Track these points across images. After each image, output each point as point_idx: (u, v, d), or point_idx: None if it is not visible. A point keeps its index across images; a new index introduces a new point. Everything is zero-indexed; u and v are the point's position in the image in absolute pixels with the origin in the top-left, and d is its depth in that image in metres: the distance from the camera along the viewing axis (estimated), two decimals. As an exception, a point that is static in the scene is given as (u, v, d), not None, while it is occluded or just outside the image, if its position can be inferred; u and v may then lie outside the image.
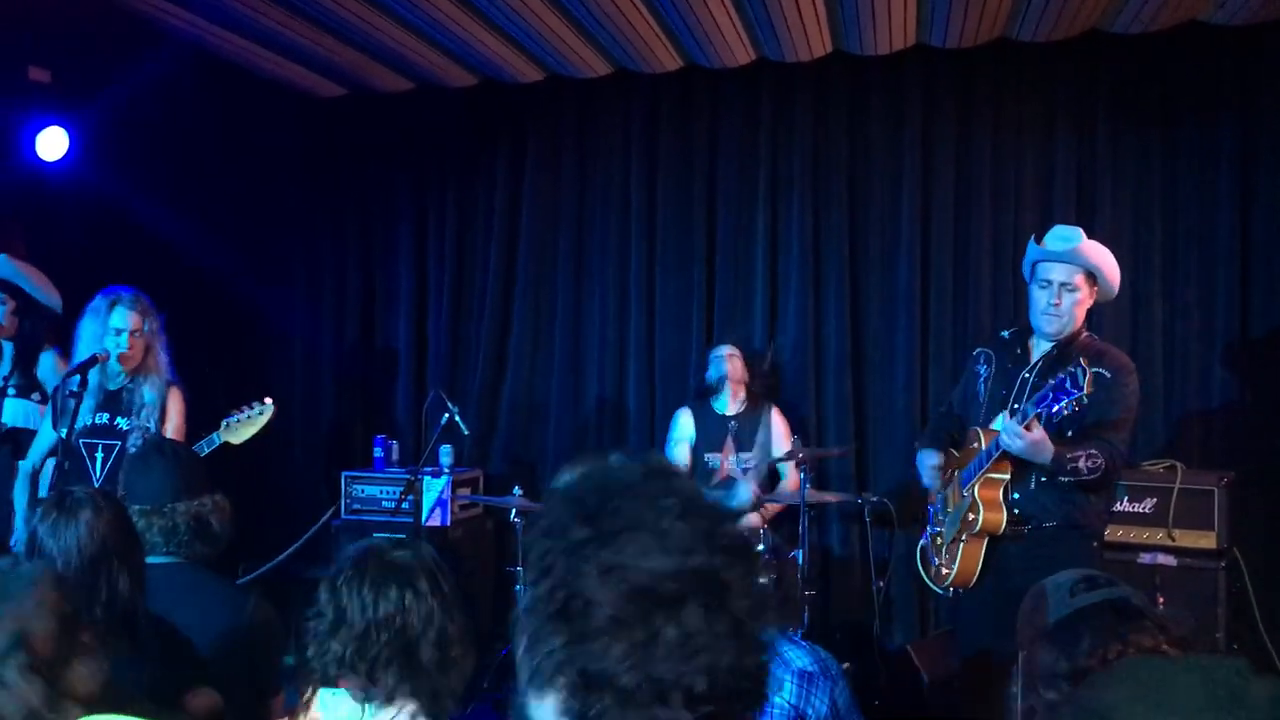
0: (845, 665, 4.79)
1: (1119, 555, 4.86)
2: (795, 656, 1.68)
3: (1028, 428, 3.55)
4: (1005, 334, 4.05)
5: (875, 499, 5.52)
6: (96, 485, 4.16)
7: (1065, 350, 3.80)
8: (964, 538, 3.80)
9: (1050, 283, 3.77)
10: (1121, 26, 5.46)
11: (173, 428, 4.41)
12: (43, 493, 4.45)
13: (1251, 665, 1.25)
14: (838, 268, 6.19)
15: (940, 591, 4.05)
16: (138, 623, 2.43)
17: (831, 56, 6.00)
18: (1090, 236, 3.86)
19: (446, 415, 5.61)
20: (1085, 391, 3.36)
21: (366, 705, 1.99)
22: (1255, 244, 5.55)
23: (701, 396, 5.79)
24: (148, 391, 4.33)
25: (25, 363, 4.77)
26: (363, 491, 6.22)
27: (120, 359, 4.22)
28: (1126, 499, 4.86)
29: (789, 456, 5.31)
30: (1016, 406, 3.70)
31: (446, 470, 6.11)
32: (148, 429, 4.28)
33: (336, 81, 6.69)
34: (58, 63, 5.66)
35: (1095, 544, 3.85)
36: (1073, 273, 3.76)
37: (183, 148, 6.36)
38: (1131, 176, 5.76)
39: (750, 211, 6.35)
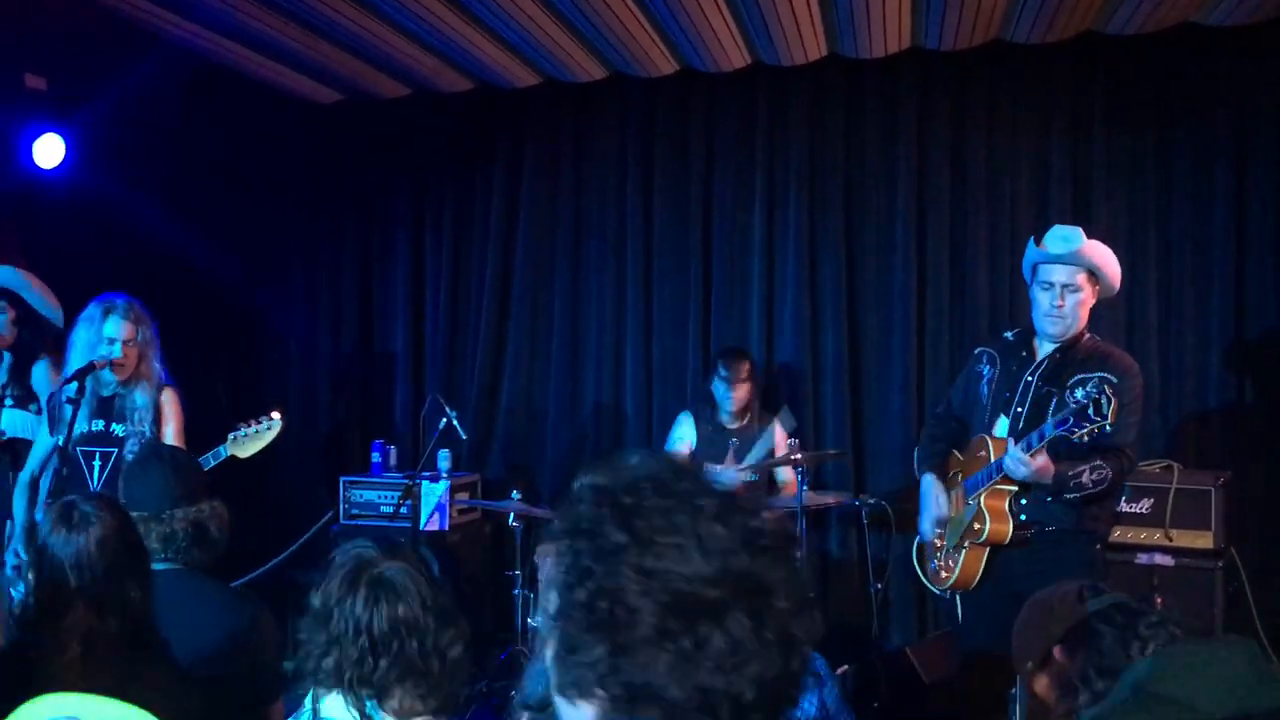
0: (844, 668, 4.83)
1: (1116, 556, 4.86)
2: None
3: (1033, 455, 3.55)
4: (1009, 335, 4.03)
5: (873, 501, 5.53)
6: (94, 492, 4.16)
7: (1069, 352, 3.80)
8: (967, 544, 3.80)
9: (1052, 285, 3.76)
10: (1116, 28, 5.47)
11: (172, 431, 4.40)
12: (41, 501, 4.45)
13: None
14: (834, 270, 6.19)
15: (937, 592, 4.05)
16: (150, 631, 2.44)
17: (826, 60, 6.01)
18: (1087, 237, 3.87)
19: (444, 420, 5.61)
20: (1109, 420, 3.32)
21: (378, 710, 1.98)
22: (1250, 244, 5.56)
23: (705, 401, 5.78)
24: (140, 396, 4.32)
25: (23, 374, 4.78)
26: (361, 496, 6.22)
27: (114, 367, 4.22)
28: (1124, 499, 4.85)
29: (785, 459, 5.31)
30: (1017, 442, 3.67)
31: (445, 475, 6.11)
32: (144, 434, 4.28)
33: (333, 87, 6.69)
34: (54, 70, 5.67)
35: (1099, 546, 3.85)
36: (1075, 273, 3.75)
37: (179, 154, 6.37)
38: (1127, 177, 5.77)
39: (746, 215, 6.36)
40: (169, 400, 4.39)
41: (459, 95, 6.69)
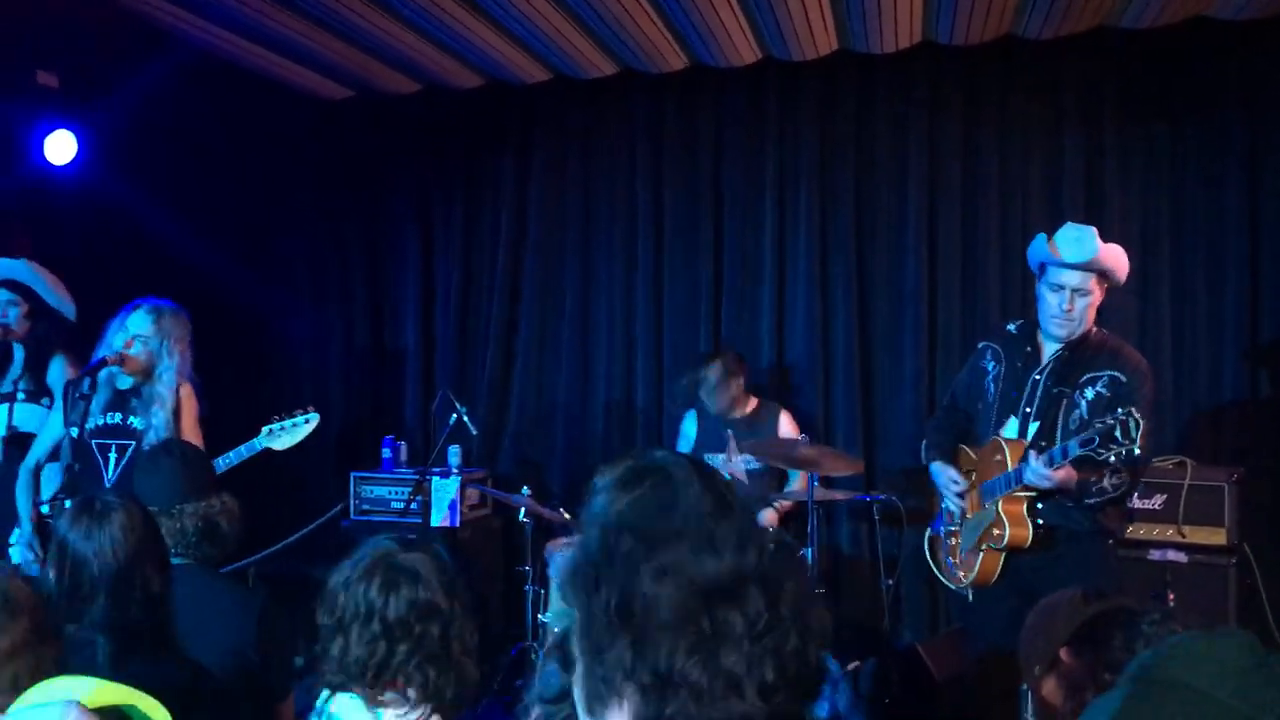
0: (855, 664, 4.81)
1: (1129, 552, 4.85)
2: None
3: (1055, 469, 3.52)
4: (1012, 328, 3.99)
5: (884, 497, 5.51)
6: (109, 485, 4.17)
7: (1077, 350, 3.77)
8: (984, 548, 3.78)
9: (1063, 288, 3.71)
10: (1129, 22, 5.44)
11: (186, 426, 4.41)
12: (46, 494, 4.46)
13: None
14: (845, 266, 6.18)
15: (954, 588, 4.04)
16: (170, 624, 2.45)
17: (837, 55, 5.99)
18: (1099, 233, 3.84)
19: (455, 415, 5.62)
20: (1137, 444, 3.28)
21: (379, 710, 1.98)
22: (1264, 239, 5.52)
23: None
24: (158, 391, 4.31)
25: (36, 367, 4.78)
26: (371, 492, 6.23)
27: (120, 360, 4.22)
28: (1137, 495, 4.83)
29: (792, 448, 5.28)
30: (1044, 445, 3.62)
31: (455, 470, 6.11)
32: (160, 428, 4.27)
33: (343, 84, 6.69)
34: (66, 67, 5.69)
35: (1111, 543, 3.84)
36: (1087, 279, 3.71)
37: (189, 151, 6.38)
38: (1139, 172, 5.74)
39: (757, 210, 6.35)
40: (185, 395, 4.39)
41: (469, 91, 6.68)
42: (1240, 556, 4.85)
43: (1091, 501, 3.61)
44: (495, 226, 6.87)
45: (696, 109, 6.46)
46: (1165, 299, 5.65)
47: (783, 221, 6.31)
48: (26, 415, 4.75)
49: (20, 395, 4.75)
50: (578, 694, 1.11)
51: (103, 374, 4.23)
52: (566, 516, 5.26)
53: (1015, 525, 3.68)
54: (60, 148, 5.62)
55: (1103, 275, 3.75)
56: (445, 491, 5.97)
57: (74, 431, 4.14)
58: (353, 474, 6.31)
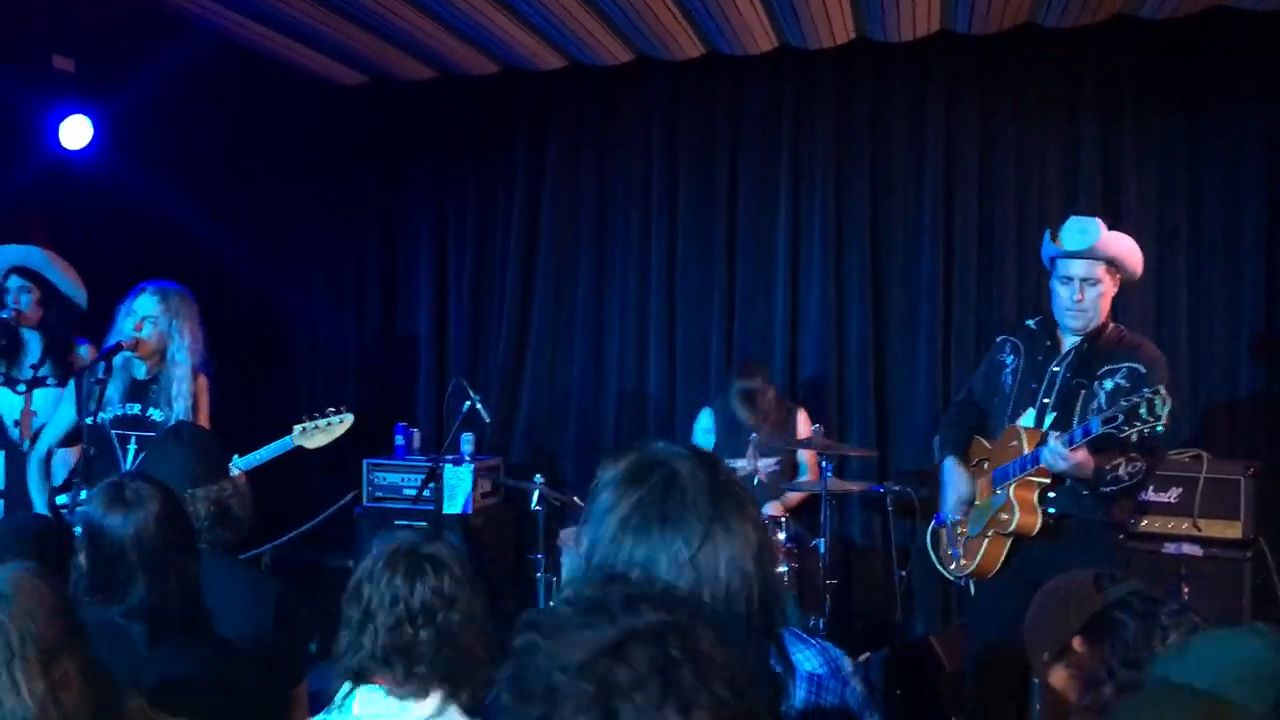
0: (866, 655, 4.81)
1: (1143, 545, 4.84)
2: (804, 659, 1.66)
3: (1073, 449, 3.50)
4: (1031, 323, 3.98)
5: (897, 488, 5.49)
6: (131, 471, 4.17)
7: (1096, 343, 3.75)
8: (991, 534, 3.76)
9: (1071, 279, 3.71)
10: (1148, 12, 5.41)
11: (200, 417, 4.41)
12: (56, 480, 4.47)
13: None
14: (860, 256, 6.15)
15: (952, 578, 4.02)
16: (202, 607, 2.46)
17: (854, 43, 5.96)
18: (1115, 224, 3.83)
19: (468, 403, 5.61)
20: (1163, 421, 3.25)
21: (406, 698, 1.98)
22: (1283, 231, 5.49)
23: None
24: (175, 382, 4.31)
25: (57, 355, 4.79)
26: (384, 479, 6.24)
27: (132, 344, 4.22)
28: (1152, 488, 4.81)
29: (807, 445, 5.28)
30: (1058, 434, 3.58)
31: (468, 458, 6.12)
32: (177, 418, 4.27)
33: (358, 69, 6.69)
34: (82, 52, 5.68)
35: (1120, 536, 3.82)
36: (1093, 267, 3.69)
37: (205, 136, 6.38)
38: (1157, 163, 5.71)
39: (772, 199, 6.33)
40: (201, 388, 4.39)
41: (483, 78, 6.67)
42: (1255, 550, 4.83)
43: (1106, 489, 3.58)
44: (509, 214, 6.87)
45: (712, 97, 6.43)
46: (1182, 291, 5.62)
47: (797, 210, 6.29)
48: (45, 401, 4.76)
49: (50, 381, 4.75)
50: None
51: (118, 361, 4.23)
52: (579, 503, 5.25)
53: (1025, 511, 3.66)
54: (76, 133, 5.62)
55: (1112, 265, 3.72)
56: (458, 479, 5.98)
57: (89, 419, 4.14)
58: (366, 461, 6.32)
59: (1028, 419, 3.81)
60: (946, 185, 6.01)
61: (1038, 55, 5.81)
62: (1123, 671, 2.17)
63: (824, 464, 5.01)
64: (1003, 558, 3.76)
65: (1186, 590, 4.67)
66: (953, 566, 4.02)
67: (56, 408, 4.59)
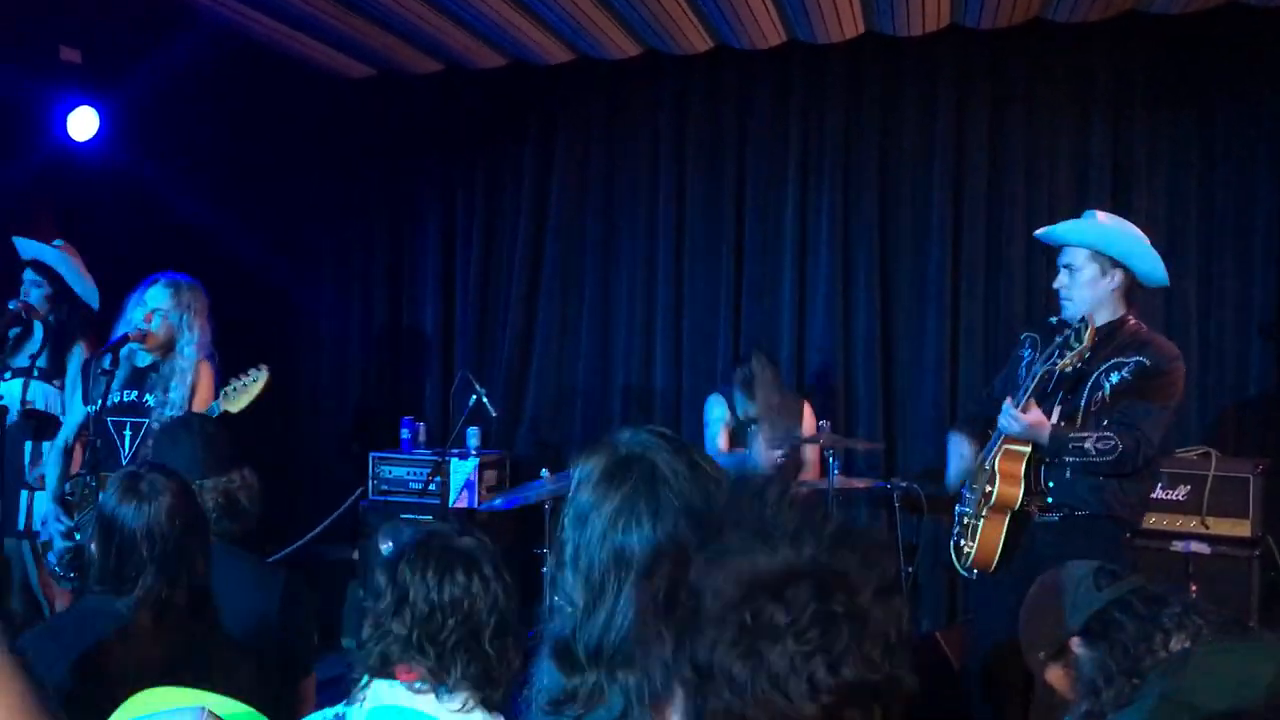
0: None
1: (1151, 543, 4.81)
2: None
3: (1024, 409, 3.57)
4: (1053, 320, 3.98)
5: (904, 484, 5.48)
6: (124, 463, 4.17)
7: (1109, 337, 3.73)
8: (984, 513, 3.76)
9: (1059, 265, 3.78)
10: (1159, 7, 5.38)
11: (199, 401, 4.39)
12: (52, 473, 4.48)
13: None
14: (868, 252, 6.13)
15: (963, 572, 4.00)
16: (212, 599, 2.45)
17: (864, 37, 5.94)
18: (1128, 219, 3.80)
19: (474, 397, 5.61)
20: (1087, 346, 3.44)
21: (437, 690, 1.96)
22: (1294, 229, 5.47)
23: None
24: (175, 369, 4.30)
25: (56, 349, 4.80)
26: (390, 472, 6.23)
27: (140, 335, 4.22)
28: (1160, 486, 4.79)
29: (813, 440, 5.26)
30: (1063, 426, 3.63)
31: (473, 452, 6.12)
32: (174, 405, 4.26)
33: (366, 63, 6.68)
34: (89, 43, 5.68)
35: (1127, 534, 3.80)
36: (1074, 253, 3.73)
37: (211, 127, 6.38)
38: (1167, 160, 5.68)
39: (780, 195, 6.31)
40: (205, 373, 4.38)
41: (491, 71, 6.66)
42: (1264, 548, 4.81)
43: (1071, 460, 3.59)
44: (516, 208, 6.85)
45: (720, 91, 6.41)
46: (1192, 288, 5.59)
47: (805, 206, 6.27)
48: (38, 394, 4.77)
49: (35, 373, 4.77)
50: (633, 690, 1.11)
51: (123, 351, 4.23)
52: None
53: (1005, 483, 3.66)
54: (83, 124, 5.63)
55: (1104, 257, 3.70)
56: (464, 473, 5.98)
57: (92, 408, 4.15)
58: (371, 454, 6.31)
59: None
60: (955, 180, 5.98)
61: (1048, 50, 5.78)
62: (1120, 680, 2.10)
63: (831, 460, 4.99)
64: (1001, 543, 3.72)
65: (1194, 588, 4.64)
66: (960, 558, 4.00)
67: (71, 401, 4.61)
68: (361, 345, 7.25)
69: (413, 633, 1.93)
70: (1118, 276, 3.72)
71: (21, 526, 4.72)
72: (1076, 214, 3.91)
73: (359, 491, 6.17)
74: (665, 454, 1.52)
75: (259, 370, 4.24)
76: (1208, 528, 4.82)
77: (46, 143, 5.55)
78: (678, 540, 1.05)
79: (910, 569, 5.52)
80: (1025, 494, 3.67)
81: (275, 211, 7.05)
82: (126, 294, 4.36)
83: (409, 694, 1.93)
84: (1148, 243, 3.73)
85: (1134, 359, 3.63)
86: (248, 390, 4.22)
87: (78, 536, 4.06)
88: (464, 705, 1.94)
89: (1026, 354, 3.94)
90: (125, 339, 4.17)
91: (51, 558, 4.29)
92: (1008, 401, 3.64)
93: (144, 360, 4.32)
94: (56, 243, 4.87)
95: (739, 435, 5.52)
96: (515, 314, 6.82)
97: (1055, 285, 3.78)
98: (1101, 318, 3.72)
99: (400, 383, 7.15)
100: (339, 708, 1.98)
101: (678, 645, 1.00)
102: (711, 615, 0.98)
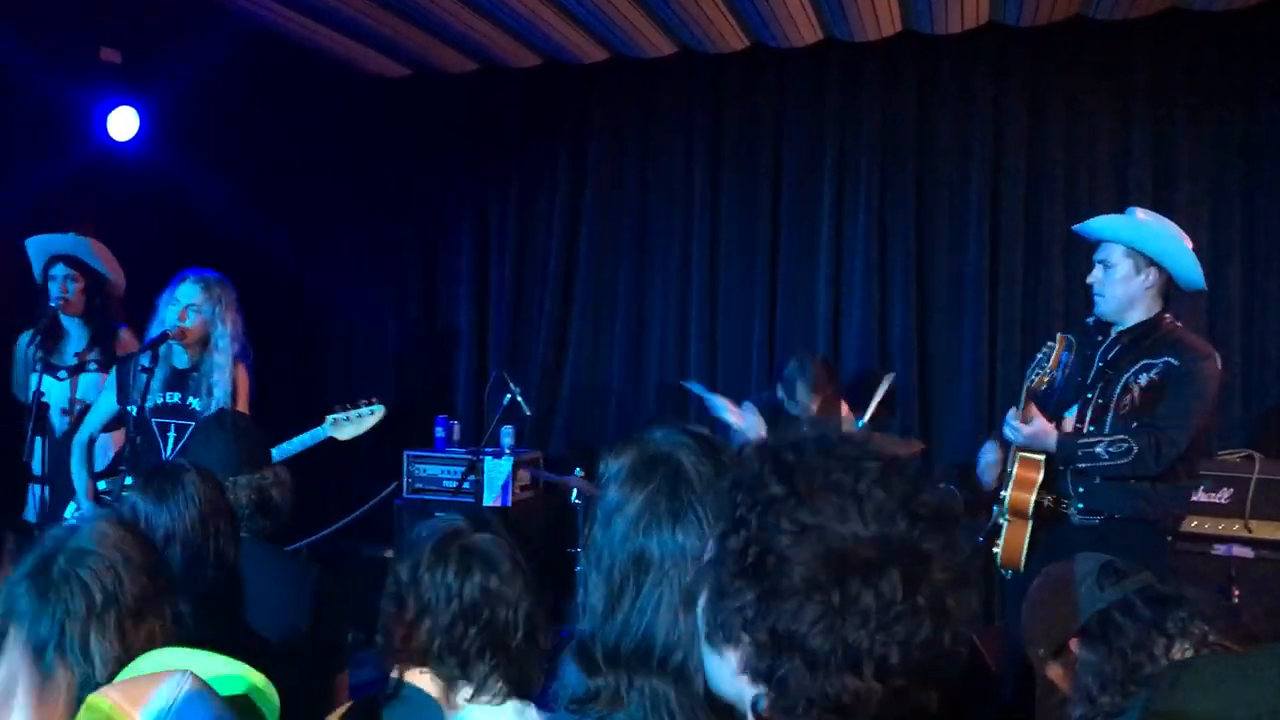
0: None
1: (1192, 546, 4.74)
2: None
3: (1025, 420, 3.57)
4: (1090, 320, 3.93)
5: (941, 485, 5.42)
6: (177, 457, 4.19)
7: (1142, 337, 3.67)
8: (1007, 517, 3.74)
9: (1093, 261, 3.74)
10: (1202, 4, 5.30)
11: (240, 404, 4.42)
12: (98, 466, 4.51)
13: None
14: (904, 252, 6.09)
15: (1002, 573, 3.96)
16: (240, 594, 2.46)
17: (901, 35, 5.90)
18: (1168, 219, 3.74)
19: (508, 396, 5.61)
20: (1050, 365, 3.50)
21: (464, 687, 1.95)
22: (1340, 229, 5.38)
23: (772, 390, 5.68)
24: (215, 371, 4.33)
25: (104, 340, 4.83)
26: (424, 471, 6.25)
27: (178, 333, 4.24)
28: (1202, 489, 4.72)
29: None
30: (1091, 430, 3.59)
31: (507, 451, 6.12)
32: (219, 402, 4.28)
33: (402, 62, 6.70)
34: (129, 44, 5.74)
35: (1169, 539, 3.74)
36: (1108, 249, 3.68)
37: (248, 128, 6.42)
38: (1211, 159, 5.60)
39: (815, 194, 6.27)
40: (241, 377, 4.41)
41: (526, 71, 6.66)
42: (1309, 554, 4.72)
43: (1083, 466, 3.55)
44: (550, 207, 6.86)
45: (756, 91, 6.38)
46: (1235, 289, 5.51)
47: (841, 206, 6.23)
48: (91, 385, 4.79)
49: (90, 366, 4.80)
50: (700, 618, 1.10)
51: (161, 349, 4.25)
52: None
53: (1018, 488, 3.66)
54: (123, 124, 5.68)
55: (1140, 255, 3.64)
56: (498, 472, 5.98)
57: (133, 408, 4.17)
58: (406, 453, 6.32)
59: (1070, 411, 3.76)
60: (993, 180, 5.92)
61: (1088, 48, 5.71)
62: (1114, 689, 2.00)
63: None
64: (1025, 544, 3.70)
65: (1237, 593, 4.58)
66: (994, 558, 3.97)
67: (99, 394, 4.63)
68: (396, 344, 7.28)
69: (436, 639, 1.93)
70: (1152, 275, 3.65)
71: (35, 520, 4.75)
72: (1117, 212, 3.85)
73: (392, 485, 6.18)
74: (692, 455, 1.50)
75: (375, 405, 4.30)
76: (1251, 531, 4.74)
77: (87, 143, 5.61)
78: (764, 496, 1.04)
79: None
80: (1054, 498, 3.65)
81: (310, 210, 7.09)
82: (161, 290, 4.39)
83: (437, 687, 1.93)
84: (1188, 244, 3.66)
85: (1163, 360, 3.57)
86: (361, 421, 4.31)
87: None
88: (494, 697, 1.94)
89: (1065, 356, 3.88)
90: (164, 336, 4.20)
91: None
92: (1010, 412, 3.65)
93: (183, 362, 4.34)
94: (69, 234, 4.89)
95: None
96: (549, 313, 6.82)
97: (1089, 280, 3.73)
98: (1135, 316, 3.67)
99: (434, 381, 7.17)
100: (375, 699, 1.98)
101: (759, 609, 1.01)
102: (798, 587, 0.99)
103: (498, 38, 6.10)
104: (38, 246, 4.84)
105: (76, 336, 4.83)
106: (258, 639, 2.47)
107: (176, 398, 4.33)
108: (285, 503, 2.99)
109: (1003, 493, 3.86)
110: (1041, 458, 3.66)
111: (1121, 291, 3.66)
